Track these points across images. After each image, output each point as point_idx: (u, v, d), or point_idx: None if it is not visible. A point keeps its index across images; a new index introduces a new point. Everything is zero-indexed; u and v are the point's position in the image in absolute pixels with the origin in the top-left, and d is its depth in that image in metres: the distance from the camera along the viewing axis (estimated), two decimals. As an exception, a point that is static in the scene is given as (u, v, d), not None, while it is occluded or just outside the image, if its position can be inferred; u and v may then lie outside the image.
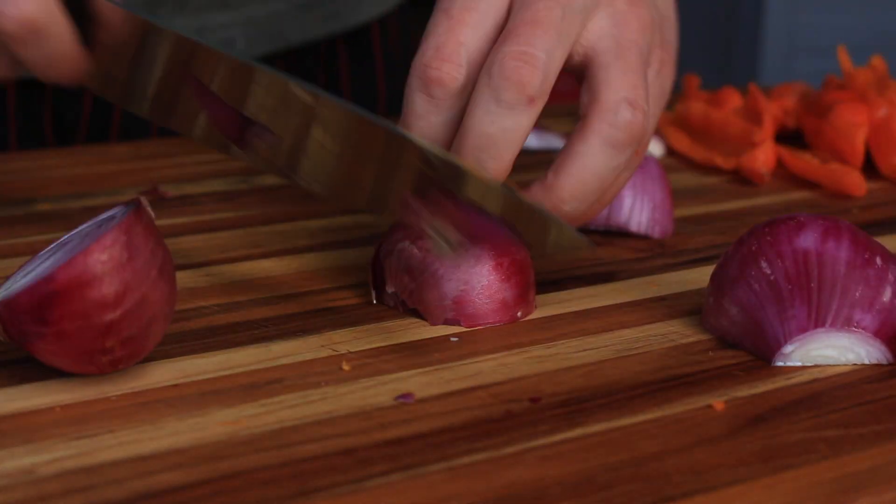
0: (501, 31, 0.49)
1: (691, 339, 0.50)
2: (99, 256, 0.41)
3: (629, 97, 0.49)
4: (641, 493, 0.38)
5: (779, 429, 0.43)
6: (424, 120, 0.49)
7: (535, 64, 0.47)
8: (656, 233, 0.63)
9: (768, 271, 0.48)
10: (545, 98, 0.48)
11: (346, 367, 0.46)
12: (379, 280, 0.53)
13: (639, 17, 0.51)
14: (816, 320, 0.47)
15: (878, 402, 0.45)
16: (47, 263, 0.44)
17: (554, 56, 0.48)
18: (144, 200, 0.44)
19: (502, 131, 0.47)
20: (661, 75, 0.53)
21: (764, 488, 0.39)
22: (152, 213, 0.44)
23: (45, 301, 0.41)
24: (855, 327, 0.47)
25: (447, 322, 0.51)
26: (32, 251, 0.58)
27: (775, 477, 0.40)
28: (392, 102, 0.91)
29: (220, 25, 0.80)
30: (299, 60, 0.85)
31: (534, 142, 0.81)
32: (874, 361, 0.48)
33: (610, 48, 0.50)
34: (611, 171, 0.49)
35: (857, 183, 0.71)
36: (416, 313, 0.51)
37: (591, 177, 0.49)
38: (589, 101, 0.50)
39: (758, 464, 0.40)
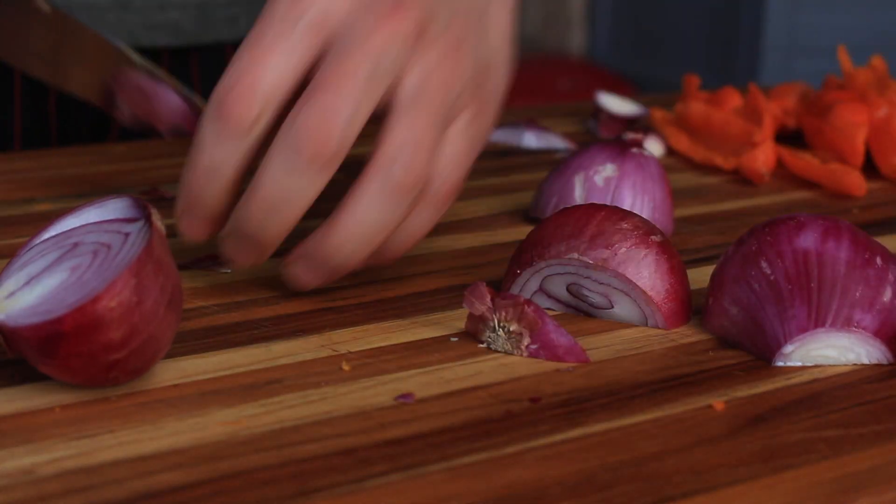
0: (308, 72, 0.48)
1: (691, 339, 0.50)
2: (108, 304, 0.41)
3: (412, 143, 0.48)
4: (641, 493, 0.38)
5: (779, 429, 0.43)
6: (210, 150, 0.48)
7: (336, 125, 0.46)
8: None
9: (768, 271, 0.48)
10: (341, 158, 0.48)
11: (346, 367, 0.46)
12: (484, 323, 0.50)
13: (451, 69, 0.49)
14: (816, 320, 0.47)
15: (879, 402, 0.45)
16: (51, 282, 0.43)
17: (357, 116, 0.47)
18: (156, 218, 0.44)
19: (294, 191, 0.47)
20: (471, 128, 0.51)
21: (764, 488, 0.39)
22: (163, 229, 0.44)
23: (51, 339, 0.41)
24: (855, 327, 0.47)
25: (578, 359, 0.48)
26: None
27: (775, 477, 0.40)
28: None
29: (224, 2, 0.81)
30: None
31: (533, 142, 0.81)
32: (874, 361, 0.48)
33: (407, 99, 0.49)
34: (389, 220, 0.49)
35: (857, 183, 0.71)
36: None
37: (366, 226, 0.48)
38: (372, 151, 0.49)
39: (758, 464, 0.40)
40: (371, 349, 0.48)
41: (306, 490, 0.38)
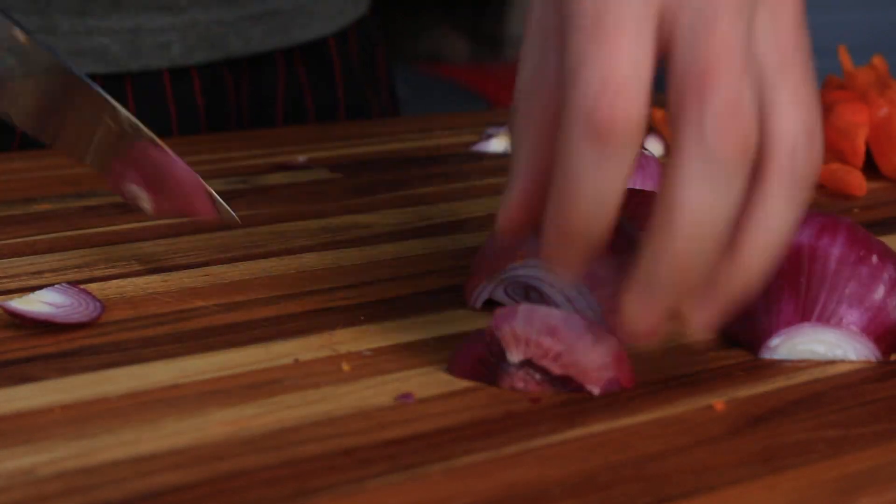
0: (662, 42, 0.39)
1: (691, 339, 0.50)
2: None
3: (806, 120, 0.40)
4: (641, 493, 0.38)
5: (779, 429, 0.43)
6: (596, 180, 0.38)
7: (745, 115, 0.38)
8: None
9: None
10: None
11: (346, 367, 0.46)
12: (494, 354, 0.45)
13: (792, 11, 0.41)
14: (803, 314, 0.47)
15: (879, 403, 0.45)
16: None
17: (754, 99, 0.38)
18: None
19: (722, 206, 0.38)
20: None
21: (764, 488, 0.39)
22: None
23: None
24: (842, 324, 0.47)
25: (608, 385, 0.45)
26: (33, 251, 0.58)
27: (775, 477, 0.40)
28: (350, 112, 0.90)
29: (157, 28, 0.79)
30: (257, 70, 0.84)
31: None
32: (862, 359, 0.48)
33: (773, 53, 0.40)
34: (795, 216, 0.40)
35: (857, 183, 0.71)
36: (561, 383, 0.45)
37: (782, 228, 0.40)
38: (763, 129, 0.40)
39: (758, 464, 0.40)
40: (371, 349, 0.48)
41: (306, 490, 0.38)
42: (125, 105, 0.81)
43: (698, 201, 0.38)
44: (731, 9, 0.38)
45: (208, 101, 0.82)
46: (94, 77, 0.81)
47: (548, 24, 0.41)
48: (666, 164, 0.39)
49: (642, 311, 0.40)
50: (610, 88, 0.38)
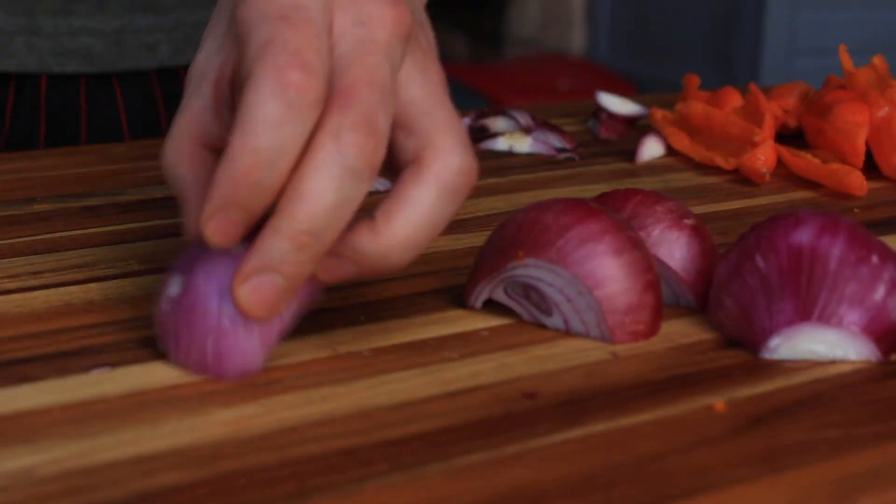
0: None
1: (691, 339, 0.50)
2: None
3: (463, 142, 0.46)
4: (641, 493, 0.38)
5: (779, 429, 0.43)
6: (278, 130, 0.42)
7: (379, 137, 0.43)
8: None
9: (762, 265, 0.48)
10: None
11: (346, 366, 0.46)
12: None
13: (434, 59, 0.48)
14: (803, 314, 0.47)
15: (879, 403, 0.45)
16: None
17: (388, 125, 0.44)
18: None
19: (346, 201, 0.43)
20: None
21: (764, 488, 0.39)
22: None
23: None
24: (842, 323, 0.47)
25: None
26: (33, 251, 0.58)
27: (776, 477, 0.40)
28: None
29: (143, 29, 0.79)
30: None
31: (528, 147, 0.81)
32: (862, 359, 0.48)
33: (425, 96, 0.46)
34: (444, 221, 0.46)
35: (857, 183, 0.71)
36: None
37: (426, 226, 0.45)
38: (422, 145, 0.45)
39: (758, 464, 0.40)
40: (371, 349, 0.48)
41: (306, 490, 0.38)
42: (114, 104, 0.81)
43: (320, 192, 0.42)
44: (381, 50, 0.44)
45: None
46: (80, 76, 0.81)
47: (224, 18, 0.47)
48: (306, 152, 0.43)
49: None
50: (302, 58, 0.42)
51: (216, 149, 0.46)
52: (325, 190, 0.43)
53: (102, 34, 0.78)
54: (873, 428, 0.43)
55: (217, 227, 0.43)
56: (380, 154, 0.44)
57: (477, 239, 0.62)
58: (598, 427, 0.42)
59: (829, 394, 0.46)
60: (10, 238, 0.60)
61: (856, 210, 0.69)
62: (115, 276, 0.55)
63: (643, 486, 0.39)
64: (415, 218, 0.45)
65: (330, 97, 0.43)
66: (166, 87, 0.81)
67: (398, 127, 0.46)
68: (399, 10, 0.45)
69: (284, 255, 0.43)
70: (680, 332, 0.51)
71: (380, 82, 0.44)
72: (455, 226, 0.64)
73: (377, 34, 0.45)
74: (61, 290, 0.53)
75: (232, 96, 0.46)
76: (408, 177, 0.45)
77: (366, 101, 0.43)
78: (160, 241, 0.60)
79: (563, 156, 0.79)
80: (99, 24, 0.77)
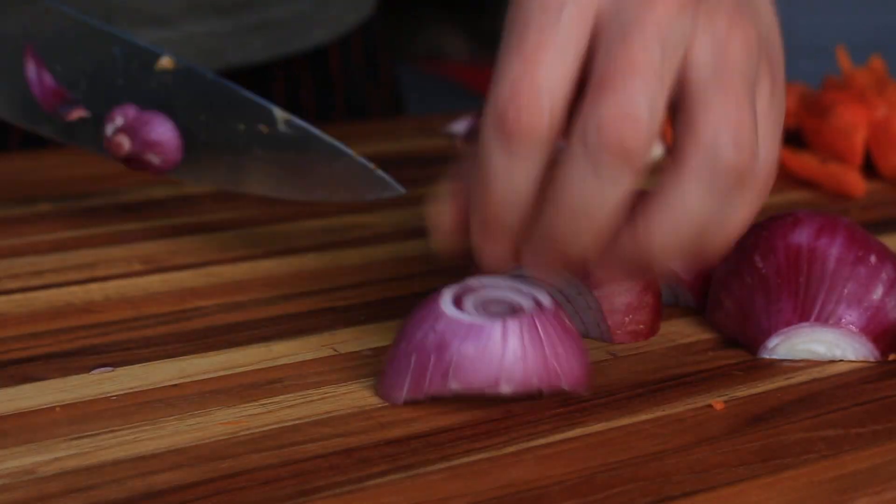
0: (586, 68, 0.42)
1: (691, 339, 0.50)
2: None
3: (734, 122, 0.42)
4: (641, 493, 0.38)
5: (778, 428, 0.43)
6: (506, 176, 0.42)
7: (639, 126, 0.41)
8: None
9: (760, 265, 0.49)
10: (648, 155, 0.42)
11: (345, 366, 0.46)
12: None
13: (743, 38, 0.44)
14: (801, 314, 0.47)
15: (878, 402, 0.45)
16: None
17: (657, 109, 0.41)
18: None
19: (601, 203, 0.41)
20: (774, 100, 0.46)
21: (763, 488, 0.39)
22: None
23: None
24: (841, 323, 0.47)
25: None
26: (34, 251, 0.58)
27: (775, 476, 0.40)
28: (350, 115, 0.89)
29: (151, 43, 0.79)
30: (258, 80, 0.84)
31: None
32: (861, 358, 0.48)
33: (708, 75, 0.43)
34: (715, 211, 0.42)
35: (856, 183, 0.71)
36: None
37: (687, 226, 0.42)
38: (683, 135, 0.42)
39: (757, 463, 0.40)
40: (371, 349, 0.48)
41: (306, 490, 0.38)
42: None
43: (576, 190, 0.41)
44: (646, 28, 0.41)
45: None
46: None
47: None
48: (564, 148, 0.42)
49: (542, 266, 0.44)
50: (520, 97, 0.41)
51: None
52: (576, 191, 0.42)
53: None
54: (872, 427, 0.43)
55: (487, 257, 0.44)
56: (640, 146, 0.41)
57: (476, 239, 0.62)
58: (598, 427, 0.43)
59: (828, 393, 0.46)
60: (12, 238, 0.60)
61: (854, 210, 0.69)
62: (116, 277, 0.55)
63: (643, 486, 0.39)
64: (672, 220, 0.42)
65: (591, 84, 0.41)
66: None
67: (676, 110, 0.43)
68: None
69: (548, 249, 0.43)
70: (679, 332, 0.51)
71: (644, 68, 0.41)
72: (455, 226, 0.64)
73: (647, 8, 0.42)
74: (63, 289, 0.54)
75: None
76: (667, 174, 0.43)
77: (623, 90, 0.41)
78: (161, 241, 0.60)
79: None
80: None
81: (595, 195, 0.41)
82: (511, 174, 0.42)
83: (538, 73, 0.41)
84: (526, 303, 0.45)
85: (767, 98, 0.45)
